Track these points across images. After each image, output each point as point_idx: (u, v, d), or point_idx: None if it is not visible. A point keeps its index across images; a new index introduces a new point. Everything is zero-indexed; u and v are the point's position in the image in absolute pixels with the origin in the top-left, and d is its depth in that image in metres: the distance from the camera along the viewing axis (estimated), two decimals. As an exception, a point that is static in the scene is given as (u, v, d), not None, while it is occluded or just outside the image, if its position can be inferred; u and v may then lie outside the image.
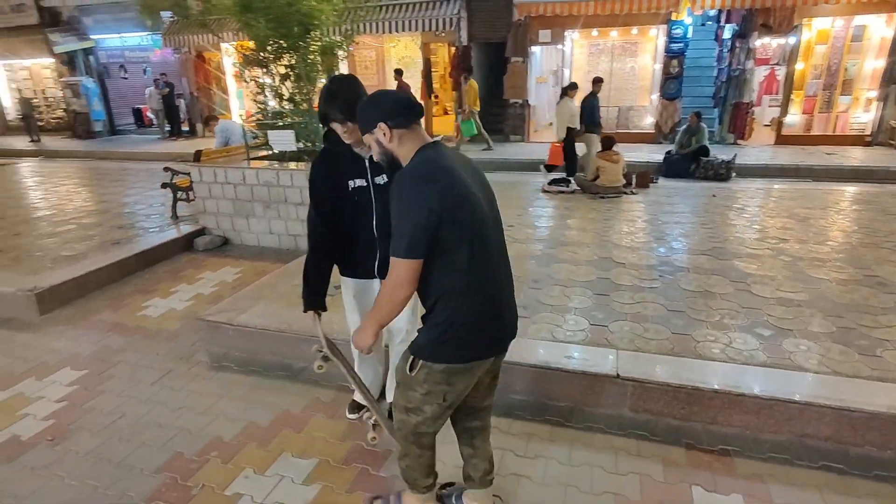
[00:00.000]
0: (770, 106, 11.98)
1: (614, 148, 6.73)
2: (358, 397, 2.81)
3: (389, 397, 2.68)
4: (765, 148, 10.35)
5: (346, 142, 2.26)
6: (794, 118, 10.90)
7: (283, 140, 5.38)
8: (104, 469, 2.45)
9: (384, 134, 1.66)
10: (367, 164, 2.30)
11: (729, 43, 10.82)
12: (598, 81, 8.06)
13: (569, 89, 7.80)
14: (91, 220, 6.11)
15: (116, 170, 10.03)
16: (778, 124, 10.85)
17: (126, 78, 15.78)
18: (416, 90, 13.00)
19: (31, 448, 2.60)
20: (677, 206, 6.15)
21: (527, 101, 12.08)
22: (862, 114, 10.48)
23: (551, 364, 2.76)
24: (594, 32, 11.61)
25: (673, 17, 10.50)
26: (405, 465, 1.92)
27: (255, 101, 5.87)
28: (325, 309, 2.31)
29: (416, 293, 1.68)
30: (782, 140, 10.66)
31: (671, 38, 10.71)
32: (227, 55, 13.08)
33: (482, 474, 2.00)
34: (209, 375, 3.21)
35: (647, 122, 11.70)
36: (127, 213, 6.47)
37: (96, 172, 9.79)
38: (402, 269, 1.58)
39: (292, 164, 5.34)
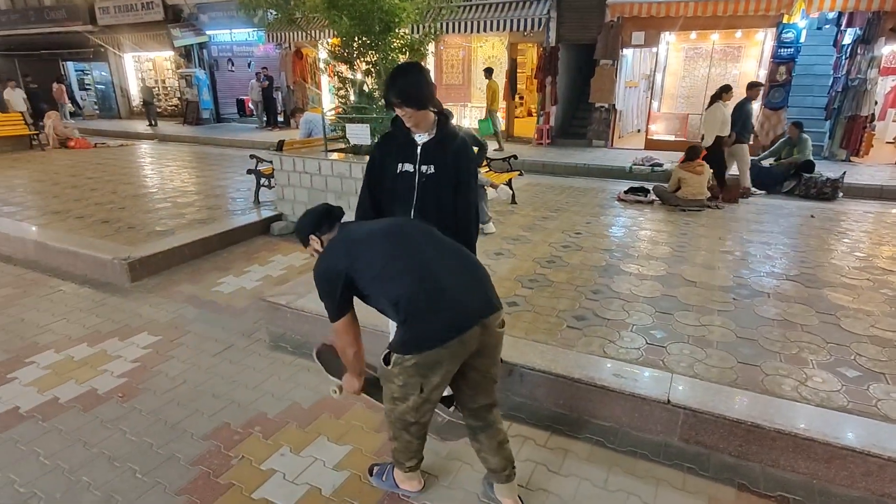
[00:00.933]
0: (895, 121, 10.69)
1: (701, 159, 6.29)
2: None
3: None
4: (884, 167, 9.24)
5: (406, 125, 2.29)
6: (923, 135, 9.65)
7: (359, 134, 5.54)
8: (160, 429, 2.64)
9: (318, 243, 2.04)
10: (418, 151, 2.31)
11: (849, 49, 9.76)
12: (754, 86, 7.38)
13: (723, 92, 6.95)
14: (185, 200, 6.65)
15: (216, 155, 10.86)
16: (902, 142, 9.65)
17: (233, 71, 17.00)
18: (501, 90, 12.94)
19: (105, 402, 2.87)
20: (766, 224, 5.65)
21: (613, 105, 11.61)
22: None
23: (596, 380, 2.62)
24: (693, 35, 10.93)
25: (784, 20, 9.66)
26: (394, 448, 2.12)
27: (336, 95, 6.10)
28: None
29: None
30: (906, 159, 9.47)
31: (780, 43, 9.83)
32: (322, 51, 13.74)
33: (498, 469, 2.07)
34: (265, 353, 3.37)
35: (743, 132, 10.82)
36: (217, 195, 6.97)
37: (198, 156, 10.66)
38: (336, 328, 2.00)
39: (367, 158, 5.49)
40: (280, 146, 5.94)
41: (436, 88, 2.34)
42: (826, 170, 7.85)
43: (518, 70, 13.35)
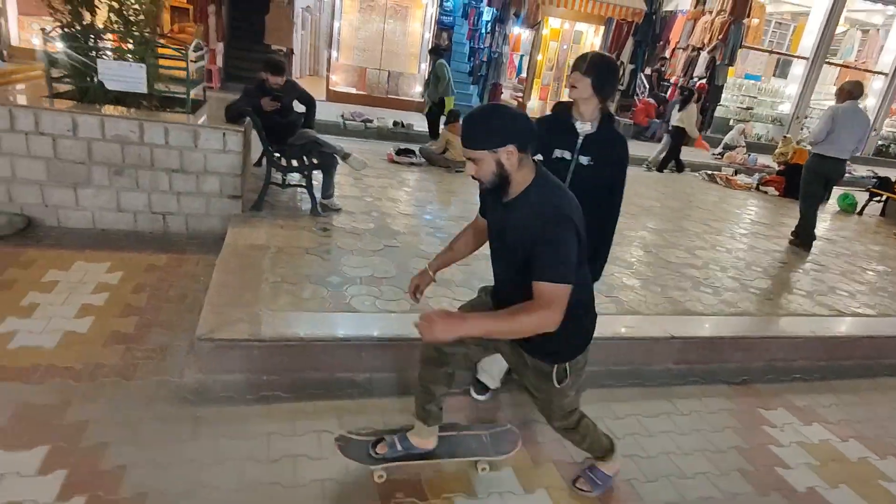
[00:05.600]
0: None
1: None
2: (484, 378, 2.90)
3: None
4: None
5: (572, 96, 2.39)
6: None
7: (128, 77, 4.17)
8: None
9: (507, 156, 1.69)
10: (579, 141, 2.43)
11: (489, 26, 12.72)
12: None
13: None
14: None
15: None
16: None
17: None
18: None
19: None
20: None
21: (291, 49, 11.54)
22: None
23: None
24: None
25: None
26: (586, 448, 2.29)
27: (52, 6, 4.19)
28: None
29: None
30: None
31: (442, 11, 11.95)
32: None
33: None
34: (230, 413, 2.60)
35: (416, 90, 12.77)
36: None
37: None
38: (559, 297, 1.67)
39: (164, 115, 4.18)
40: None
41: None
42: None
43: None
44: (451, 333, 1.66)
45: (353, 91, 12.24)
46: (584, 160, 2.45)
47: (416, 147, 7.63)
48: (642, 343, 3.47)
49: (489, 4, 12.72)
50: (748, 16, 13.75)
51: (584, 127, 2.43)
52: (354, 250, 4.04)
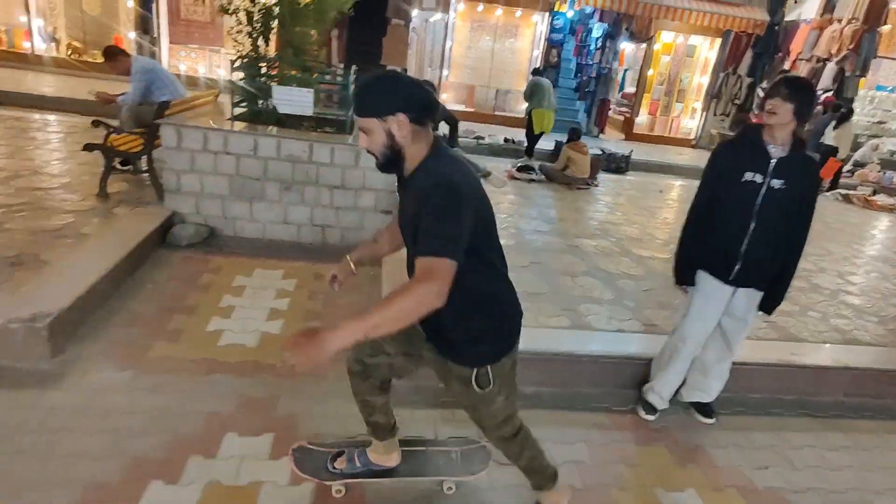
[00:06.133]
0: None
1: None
2: (652, 398, 2.91)
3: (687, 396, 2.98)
4: (626, 143, 12.57)
5: (768, 121, 2.40)
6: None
7: (297, 101, 4.58)
8: None
9: (398, 126, 1.58)
10: (772, 164, 2.42)
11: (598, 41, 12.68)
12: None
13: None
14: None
15: None
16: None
17: None
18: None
19: None
20: (629, 195, 7.24)
21: (405, 69, 12.05)
22: (687, 120, 13.57)
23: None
24: (479, 7, 12.21)
25: (556, 8, 11.82)
26: (527, 468, 2.08)
27: (235, 40, 4.73)
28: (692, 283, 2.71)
29: None
30: (634, 137, 13.12)
31: (552, 28, 12.04)
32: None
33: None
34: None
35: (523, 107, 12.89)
36: (24, 186, 4.49)
37: None
38: (440, 273, 1.48)
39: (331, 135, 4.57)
40: (161, 111, 4.29)
41: None
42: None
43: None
44: (327, 349, 1.45)
45: (462, 108, 12.58)
46: (776, 183, 2.44)
47: (535, 163, 7.74)
48: (809, 371, 3.34)
49: (600, 20, 12.67)
50: (883, 23, 12.78)
51: (777, 150, 2.44)
52: (501, 266, 4.18)
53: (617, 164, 9.86)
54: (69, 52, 11.44)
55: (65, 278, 3.12)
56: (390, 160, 1.65)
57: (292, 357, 1.48)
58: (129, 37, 11.30)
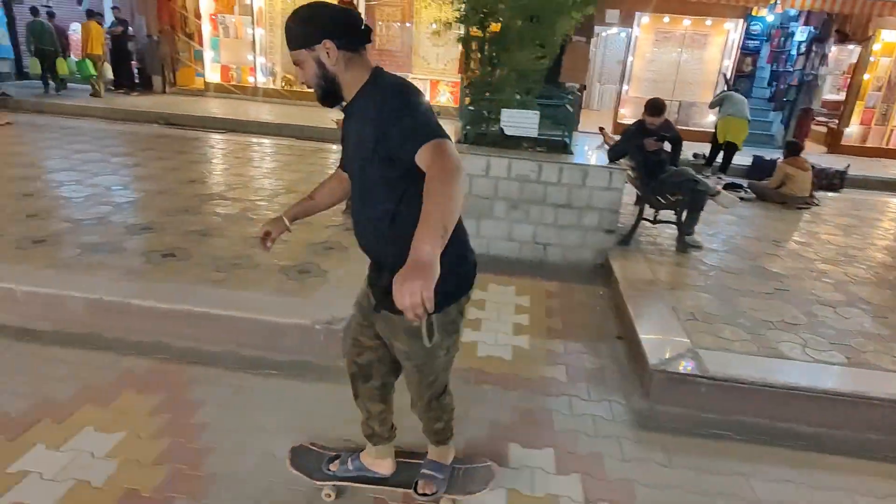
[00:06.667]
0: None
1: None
2: None
3: None
4: (832, 157, 11.22)
5: None
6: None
7: (523, 123, 4.73)
8: None
9: (328, 54, 1.55)
10: None
11: (803, 46, 11.53)
12: None
13: None
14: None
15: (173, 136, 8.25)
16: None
17: (49, 7, 13.09)
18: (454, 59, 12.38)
19: None
20: (860, 216, 6.38)
21: (584, 86, 11.97)
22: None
23: None
24: (666, 19, 11.75)
25: (753, 13, 10.96)
26: (440, 429, 2.06)
27: (471, 66, 5.06)
28: None
29: None
30: (843, 150, 11.66)
31: (748, 35, 11.18)
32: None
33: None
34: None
35: (709, 119, 12.13)
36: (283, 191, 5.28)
37: (124, 140, 7.97)
38: (450, 145, 1.44)
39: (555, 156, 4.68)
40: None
41: None
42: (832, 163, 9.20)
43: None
44: (429, 274, 1.21)
45: (641, 123, 12.15)
46: None
47: (741, 181, 7.21)
48: None
49: (805, 23, 11.51)
50: None
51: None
52: (741, 290, 3.93)
53: (829, 181, 8.80)
54: (283, 84, 13.07)
55: (344, 285, 3.51)
56: (326, 91, 1.62)
57: (409, 298, 1.20)
58: (331, 68, 12.59)
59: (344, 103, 1.65)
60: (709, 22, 11.58)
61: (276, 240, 1.96)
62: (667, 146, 4.81)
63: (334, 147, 8.45)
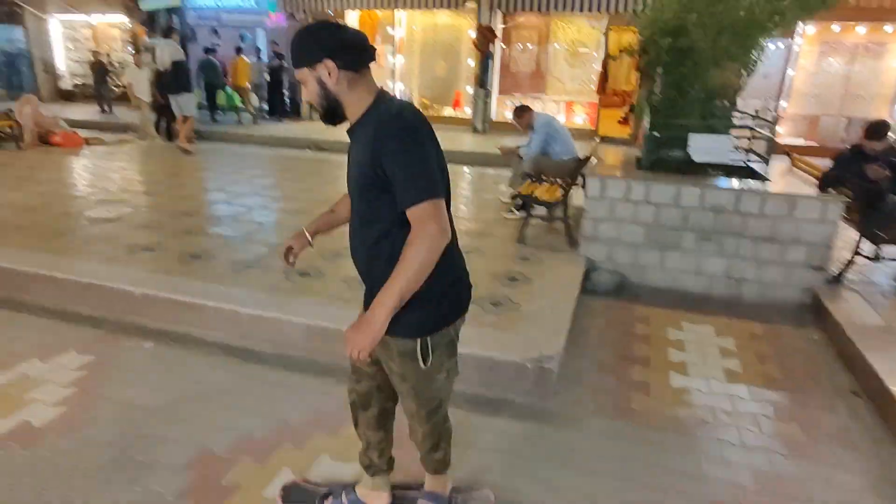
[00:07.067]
0: None
1: None
2: None
3: None
4: None
5: None
6: None
7: (712, 148, 4.41)
8: None
9: (329, 74, 1.55)
10: None
11: None
12: None
13: None
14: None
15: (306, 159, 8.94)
16: None
17: (217, 45, 14.57)
18: (590, 80, 12.14)
19: None
20: None
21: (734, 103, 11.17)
22: None
23: None
24: (835, 27, 10.70)
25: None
26: (438, 460, 2.00)
27: (654, 90, 4.87)
28: None
29: None
30: None
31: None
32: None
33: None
34: None
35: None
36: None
37: (275, 161, 8.66)
38: (440, 208, 1.51)
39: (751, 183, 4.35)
40: (582, 164, 4.59)
41: None
42: None
43: (611, 58, 12.54)
44: (375, 331, 1.52)
45: (801, 142, 11.08)
46: None
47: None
48: None
49: None
50: None
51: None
52: None
53: None
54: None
55: (545, 320, 3.42)
56: (328, 110, 1.62)
57: (351, 349, 1.53)
58: (467, 91, 12.85)
59: (349, 124, 1.67)
60: (889, 28, 10.38)
61: (298, 255, 2.00)
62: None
63: (466, 169, 8.53)
